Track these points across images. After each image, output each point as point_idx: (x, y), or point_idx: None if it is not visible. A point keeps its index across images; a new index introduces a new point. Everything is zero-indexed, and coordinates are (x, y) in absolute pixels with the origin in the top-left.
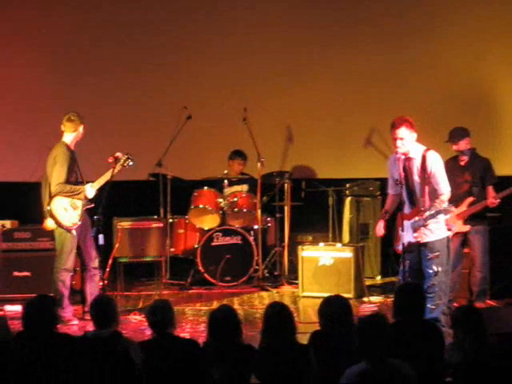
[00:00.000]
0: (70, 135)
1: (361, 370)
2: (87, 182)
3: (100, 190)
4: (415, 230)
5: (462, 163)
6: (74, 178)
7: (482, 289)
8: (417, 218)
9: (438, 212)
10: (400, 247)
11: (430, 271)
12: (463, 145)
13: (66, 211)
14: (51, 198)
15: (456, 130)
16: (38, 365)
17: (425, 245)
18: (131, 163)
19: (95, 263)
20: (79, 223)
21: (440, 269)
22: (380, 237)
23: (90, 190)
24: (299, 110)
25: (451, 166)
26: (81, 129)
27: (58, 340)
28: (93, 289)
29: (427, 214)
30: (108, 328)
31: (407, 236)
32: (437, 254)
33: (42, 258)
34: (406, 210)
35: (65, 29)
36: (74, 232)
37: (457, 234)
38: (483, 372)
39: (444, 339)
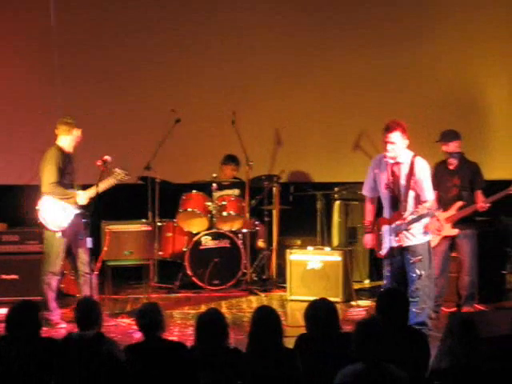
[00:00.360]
0: (64, 138)
1: (355, 370)
2: (78, 186)
3: (91, 199)
4: (397, 234)
5: (451, 167)
6: (68, 181)
7: (471, 293)
8: (399, 222)
9: (421, 216)
10: (382, 252)
11: (414, 275)
12: (453, 147)
13: (54, 213)
14: (40, 197)
15: (448, 132)
16: (22, 369)
17: (407, 249)
18: (126, 178)
19: (87, 268)
20: (66, 227)
21: (423, 273)
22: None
23: (82, 197)
24: (288, 114)
25: (440, 170)
26: (75, 132)
27: (41, 345)
28: (89, 293)
29: (410, 218)
30: (91, 330)
31: (389, 241)
32: (419, 257)
33: (30, 261)
34: (387, 214)
35: (56, 30)
36: (58, 235)
37: (445, 237)
38: (473, 376)
39: (429, 344)
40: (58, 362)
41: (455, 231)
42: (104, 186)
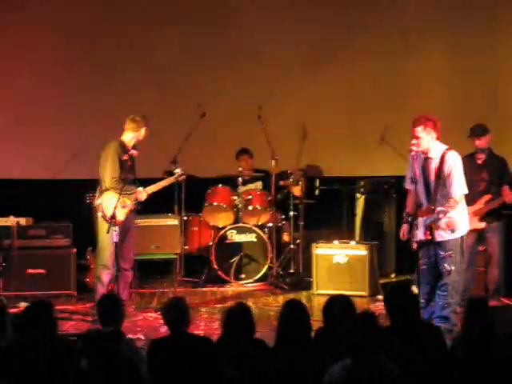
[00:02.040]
0: (130, 134)
1: (344, 366)
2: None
3: (150, 195)
4: (426, 228)
5: (480, 161)
6: (128, 176)
7: (498, 286)
8: (429, 217)
9: (448, 212)
10: (413, 245)
11: (444, 270)
12: (485, 141)
13: (114, 208)
14: (103, 191)
15: (479, 126)
16: (39, 368)
17: (438, 243)
18: (183, 177)
19: (126, 264)
20: (122, 220)
21: (453, 268)
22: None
23: (143, 193)
24: (313, 108)
25: (468, 164)
26: (143, 131)
27: (58, 343)
28: (121, 289)
29: (438, 214)
30: (112, 326)
31: (419, 233)
32: (449, 252)
33: (57, 255)
34: (422, 207)
35: (79, 26)
36: (116, 228)
37: (472, 231)
38: (491, 365)
39: (443, 338)
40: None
41: (483, 224)
42: (164, 184)
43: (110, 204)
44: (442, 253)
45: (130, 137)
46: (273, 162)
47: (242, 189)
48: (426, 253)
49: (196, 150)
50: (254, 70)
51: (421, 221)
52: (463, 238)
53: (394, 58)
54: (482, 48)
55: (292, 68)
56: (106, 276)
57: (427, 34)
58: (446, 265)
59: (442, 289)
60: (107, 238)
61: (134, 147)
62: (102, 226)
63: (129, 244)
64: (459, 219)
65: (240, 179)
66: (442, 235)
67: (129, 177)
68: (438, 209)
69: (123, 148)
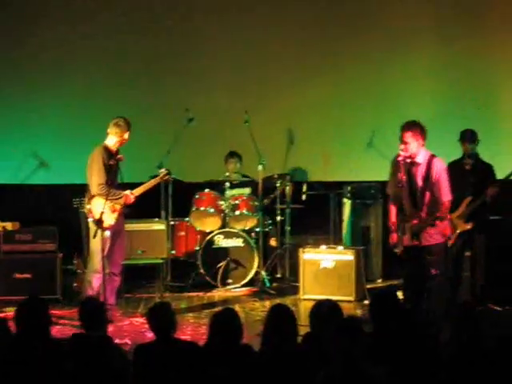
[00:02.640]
0: (113, 139)
1: (329, 372)
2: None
3: (137, 198)
4: (413, 233)
5: (467, 167)
6: (115, 180)
7: (483, 291)
8: (416, 222)
9: (436, 218)
10: (399, 250)
11: (429, 275)
12: (475, 147)
13: (104, 212)
14: (91, 197)
15: (470, 131)
16: (31, 367)
17: (424, 248)
18: (170, 178)
19: (114, 268)
20: (113, 224)
21: (438, 272)
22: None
23: (130, 195)
24: (301, 113)
25: (455, 169)
26: (126, 135)
27: (49, 344)
28: (108, 293)
29: (426, 219)
30: (96, 331)
31: (406, 238)
32: (435, 257)
33: (43, 259)
34: (407, 212)
35: (71, 27)
36: (107, 233)
37: (460, 234)
38: (478, 368)
39: (430, 343)
40: (64, 363)
41: (469, 225)
42: (150, 185)
43: (100, 209)
44: (427, 257)
45: (113, 141)
46: (260, 167)
47: (229, 193)
48: (412, 258)
49: (183, 154)
50: (241, 75)
51: (407, 226)
52: (446, 243)
53: (381, 63)
54: (469, 53)
55: (279, 73)
56: (96, 281)
57: (414, 40)
58: (431, 269)
59: (427, 294)
60: (97, 242)
61: (117, 151)
62: (93, 231)
63: (119, 249)
64: (446, 225)
65: (227, 184)
66: (428, 240)
67: (116, 181)
68: (428, 216)
69: (108, 153)
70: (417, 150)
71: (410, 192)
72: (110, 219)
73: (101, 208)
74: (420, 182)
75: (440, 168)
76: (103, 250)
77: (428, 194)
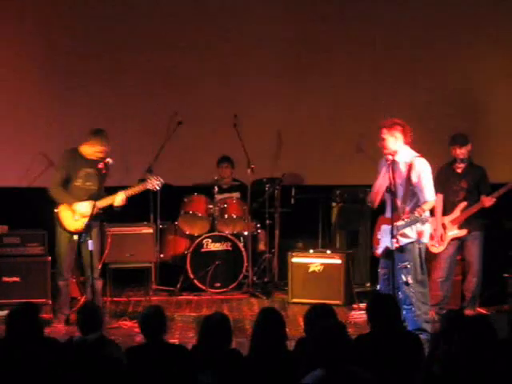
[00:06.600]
0: (87, 148)
1: (316, 376)
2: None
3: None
4: (393, 235)
5: (459, 170)
6: (80, 183)
7: (475, 295)
8: (396, 224)
9: (416, 221)
10: (378, 251)
11: (400, 281)
12: (466, 151)
13: (72, 216)
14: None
15: (461, 135)
16: (24, 371)
17: (396, 252)
18: (158, 187)
19: (91, 272)
20: (82, 230)
21: (410, 279)
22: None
23: (118, 196)
24: (290, 117)
25: (447, 173)
26: (98, 148)
27: (44, 345)
28: (90, 297)
29: (405, 221)
30: (93, 334)
31: (385, 241)
32: (405, 263)
33: (32, 263)
34: (387, 214)
35: (60, 33)
36: (75, 237)
37: (453, 240)
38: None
39: (423, 348)
40: (60, 365)
41: (464, 232)
42: (134, 191)
43: (68, 213)
44: (398, 263)
45: (90, 150)
46: (249, 171)
47: (218, 197)
48: (388, 262)
49: (172, 158)
50: (230, 79)
51: (385, 228)
52: (420, 248)
53: (370, 68)
54: (458, 58)
55: (267, 77)
56: (61, 283)
57: (402, 43)
58: (402, 276)
59: (406, 302)
60: (60, 246)
61: (101, 159)
62: (59, 234)
63: (94, 252)
64: (425, 228)
65: (216, 188)
66: (402, 240)
67: (78, 183)
68: (404, 218)
69: (75, 157)
70: (395, 147)
71: (391, 192)
72: (77, 224)
73: (69, 212)
74: (400, 181)
75: (421, 168)
76: (66, 254)
77: (408, 194)
